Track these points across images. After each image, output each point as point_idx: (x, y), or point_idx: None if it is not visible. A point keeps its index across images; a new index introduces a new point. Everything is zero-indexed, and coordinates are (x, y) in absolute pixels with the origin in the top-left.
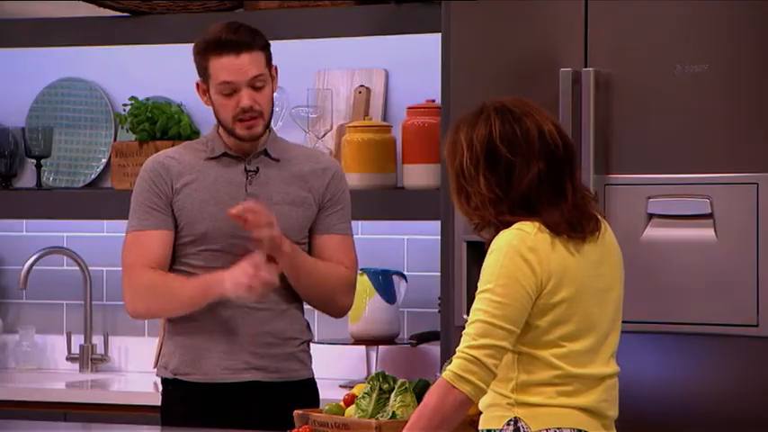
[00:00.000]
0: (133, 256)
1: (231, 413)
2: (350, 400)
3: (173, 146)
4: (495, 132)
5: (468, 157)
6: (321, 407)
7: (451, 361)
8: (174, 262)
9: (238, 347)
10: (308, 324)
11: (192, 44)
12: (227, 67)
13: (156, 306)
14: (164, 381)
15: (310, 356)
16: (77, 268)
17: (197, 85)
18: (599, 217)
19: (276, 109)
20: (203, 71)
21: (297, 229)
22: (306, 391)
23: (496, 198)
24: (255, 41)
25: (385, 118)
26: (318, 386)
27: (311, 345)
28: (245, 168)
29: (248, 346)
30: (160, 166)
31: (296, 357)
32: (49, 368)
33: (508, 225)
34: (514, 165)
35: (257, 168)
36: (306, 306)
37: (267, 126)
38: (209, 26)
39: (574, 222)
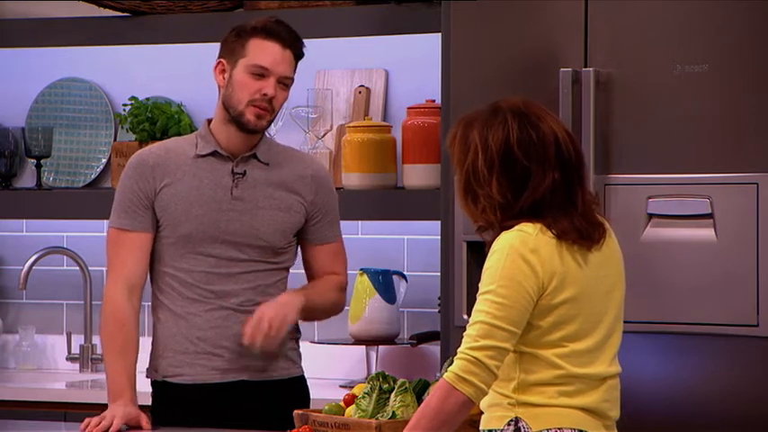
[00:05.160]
0: (112, 264)
1: (222, 414)
2: (350, 400)
3: None
4: (512, 137)
5: (483, 159)
6: (314, 405)
7: (452, 361)
8: (160, 264)
9: (227, 349)
10: (297, 323)
11: (193, 44)
12: (271, 52)
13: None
14: (153, 383)
15: (300, 354)
16: (77, 268)
17: (218, 63)
18: (603, 223)
19: None
20: (236, 49)
21: (281, 234)
22: (296, 389)
23: (506, 203)
24: (300, 46)
25: (385, 118)
26: (318, 386)
27: (310, 344)
28: (233, 170)
29: (237, 346)
30: (145, 164)
31: (285, 356)
32: (49, 368)
33: (510, 228)
34: (530, 171)
35: (245, 171)
36: None
37: (269, 124)
38: (224, 24)
39: (583, 231)
